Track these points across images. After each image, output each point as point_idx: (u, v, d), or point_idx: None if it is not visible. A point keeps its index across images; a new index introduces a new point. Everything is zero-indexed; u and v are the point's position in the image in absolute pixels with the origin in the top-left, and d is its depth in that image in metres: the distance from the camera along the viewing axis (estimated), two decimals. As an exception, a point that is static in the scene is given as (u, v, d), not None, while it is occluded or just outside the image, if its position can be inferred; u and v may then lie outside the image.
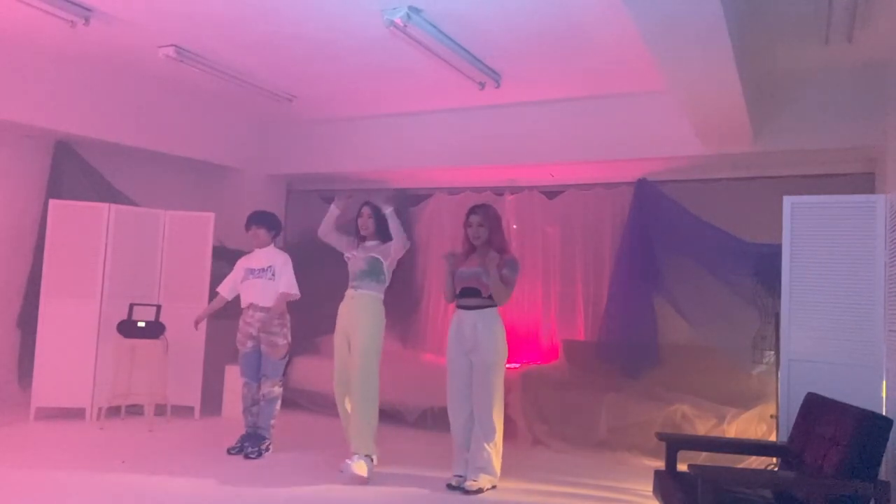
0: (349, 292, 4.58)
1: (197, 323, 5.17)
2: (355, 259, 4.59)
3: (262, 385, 4.91)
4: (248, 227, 5.06)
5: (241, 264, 5.05)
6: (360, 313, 4.49)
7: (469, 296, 4.30)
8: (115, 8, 4.42)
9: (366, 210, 4.65)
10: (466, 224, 4.40)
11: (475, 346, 4.25)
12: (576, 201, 6.46)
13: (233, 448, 4.86)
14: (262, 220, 5.05)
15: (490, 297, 4.27)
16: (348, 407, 4.52)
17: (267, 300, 4.88)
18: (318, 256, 5.58)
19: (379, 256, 4.53)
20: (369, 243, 4.64)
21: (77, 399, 5.63)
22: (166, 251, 6.07)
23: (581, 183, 6.45)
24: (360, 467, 4.26)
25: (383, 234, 4.61)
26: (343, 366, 4.53)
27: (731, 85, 3.94)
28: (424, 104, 6.22)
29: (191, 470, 4.42)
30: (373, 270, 4.52)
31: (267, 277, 4.92)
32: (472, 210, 4.43)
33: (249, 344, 4.92)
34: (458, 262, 4.43)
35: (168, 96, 6.29)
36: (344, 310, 4.59)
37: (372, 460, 4.39)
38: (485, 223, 4.34)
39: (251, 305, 4.92)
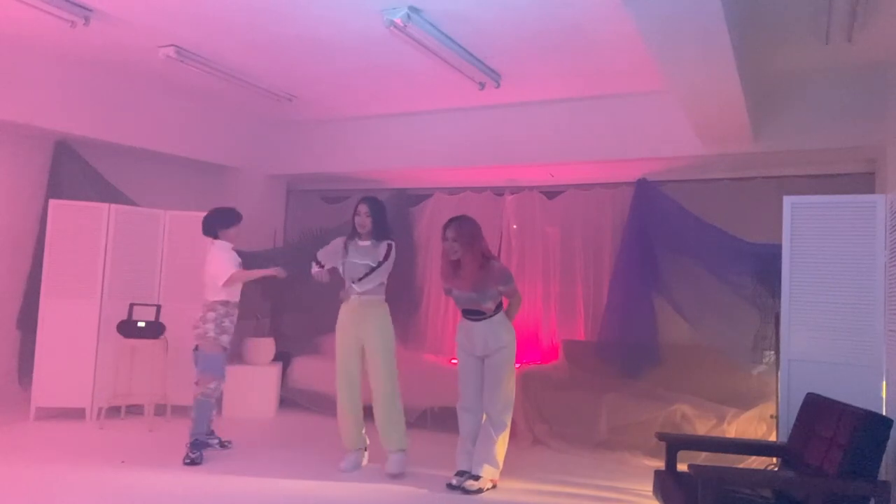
0: (353, 297, 4.55)
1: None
2: (352, 265, 4.53)
3: None
4: (231, 225, 4.98)
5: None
6: (371, 320, 4.51)
7: (476, 314, 4.34)
8: (115, 8, 4.42)
9: (362, 208, 4.56)
10: (443, 238, 4.36)
11: (485, 350, 4.30)
12: (576, 201, 6.46)
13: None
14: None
15: (495, 309, 4.31)
16: (350, 405, 4.55)
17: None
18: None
19: (372, 264, 4.48)
20: (362, 243, 4.56)
21: (77, 399, 5.63)
22: (166, 251, 6.07)
23: (581, 183, 6.45)
24: (401, 463, 4.47)
25: (378, 233, 4.55)
26: (350, 366, 4.55)
27: (731, 85, 3.94)
28: (424, 104, 6.22)
29: (190, 469, 4.42)
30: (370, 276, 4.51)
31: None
32: (447, 224, 4.37)
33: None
34: (449, 281, 4.39)
35: (168, 96, 6.29)
36: (350, 314, 4.56)
37: (405, 453, 4.54)
38: (458, 239, 4.27)
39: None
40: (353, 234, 4.59)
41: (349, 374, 4.57)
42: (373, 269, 4.47)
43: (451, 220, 4.39)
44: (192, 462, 4.53)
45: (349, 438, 4.61)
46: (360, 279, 4.48)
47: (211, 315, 4.74)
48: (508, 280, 4.35)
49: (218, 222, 4.92)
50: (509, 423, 4.32)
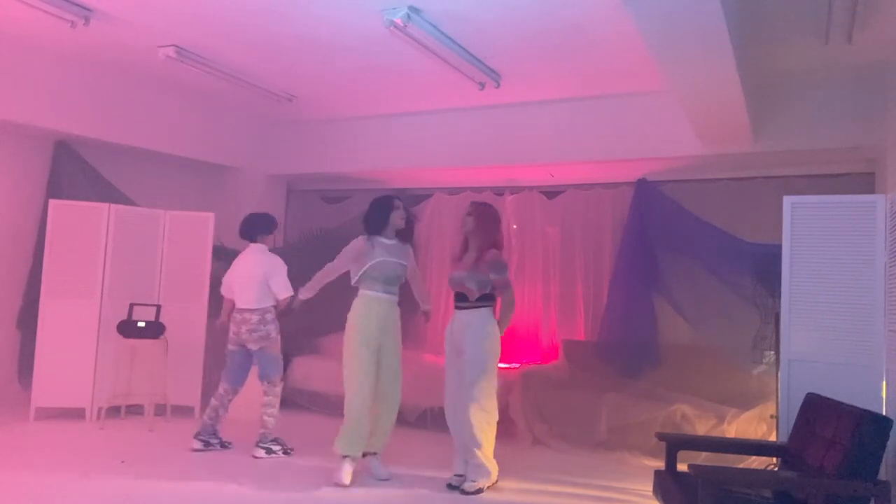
0: (385, 297, 4.39)
1: None
2: (389, 264, 4.40)
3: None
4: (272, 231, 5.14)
5: None
6: (395, 322, 4.49)
7: (461, 299, 4.34)
8: (115, 8, 4.42)
9: (400, 204, 4.54)
10: (465, 214, 4.49)
11: (463, 344, 4.24)
12: (576, 201, 6.46)
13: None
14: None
15: (479, 299, 4.27)
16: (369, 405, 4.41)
17: None
18: (319, 257, 5.56)
19: (404, 263, 4.50)
20: (388, 241, 4.46)
21: (77, 399, 5.62)
22: (166, 251, 6.07)
23: (581, 183, 6.45)
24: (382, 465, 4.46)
25: (404, 234, 4.56)
26: (373, 366, 4.36)
27: (731, 85, 3.94)
28: (424, 104, 6.22)
29: (191, 470, 4.42)
30: (401, 276, 4.51)
31: None
32: (471, 203, 4.52)
33: None
34: (454, 264, 4.47)
35: (168, 96, 6.29)
36: (375, 312, 4.37)
37: None
38: (473, 213, 4.38)
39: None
40: (382, 228, 4.46)
41: (371, 373, 4.34)
42: (423, 291, 4.79)
43: (475, 202, 4.54)
44: (286, 452, 4.87)
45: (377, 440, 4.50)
46: (396, 282, 4.47)
47: (269, 317, 4.90)
48: (500, 269, 4.28)
49: (260, 228, 5.07)
50: (486, 440, 4.16)
